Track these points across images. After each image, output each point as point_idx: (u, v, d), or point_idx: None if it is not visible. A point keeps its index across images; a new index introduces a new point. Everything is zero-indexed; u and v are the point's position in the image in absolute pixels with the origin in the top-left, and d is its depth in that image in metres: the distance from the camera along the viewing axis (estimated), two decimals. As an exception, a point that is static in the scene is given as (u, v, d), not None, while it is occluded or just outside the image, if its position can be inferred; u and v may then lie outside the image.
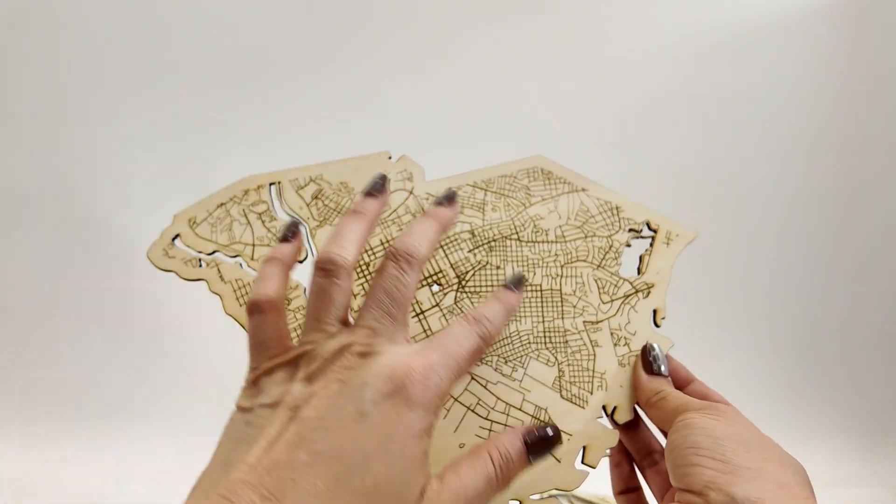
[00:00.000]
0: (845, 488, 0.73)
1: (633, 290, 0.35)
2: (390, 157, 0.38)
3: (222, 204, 0.37)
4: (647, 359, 0.33)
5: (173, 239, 0.36)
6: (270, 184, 0.37)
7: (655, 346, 0.33)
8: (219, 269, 0.35)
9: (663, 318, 0.35)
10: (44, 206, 0.79)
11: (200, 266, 0.35)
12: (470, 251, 0.36)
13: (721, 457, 0.24)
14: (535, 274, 0.35)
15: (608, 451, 0.32)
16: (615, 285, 0.35)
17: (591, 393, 0.33)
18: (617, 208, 0.37)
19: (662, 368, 0.32)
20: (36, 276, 0.80)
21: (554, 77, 0.78)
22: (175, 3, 0.75)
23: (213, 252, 0.36)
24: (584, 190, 0.37)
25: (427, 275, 0.35)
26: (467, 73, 0.78)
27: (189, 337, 0.82)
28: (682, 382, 0.33)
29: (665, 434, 0.30)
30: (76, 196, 0.79)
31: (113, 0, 0.75)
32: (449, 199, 0.30)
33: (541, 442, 0.24)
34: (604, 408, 0.33)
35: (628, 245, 0.36)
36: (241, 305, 0.35)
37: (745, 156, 0.78)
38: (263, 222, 0.36)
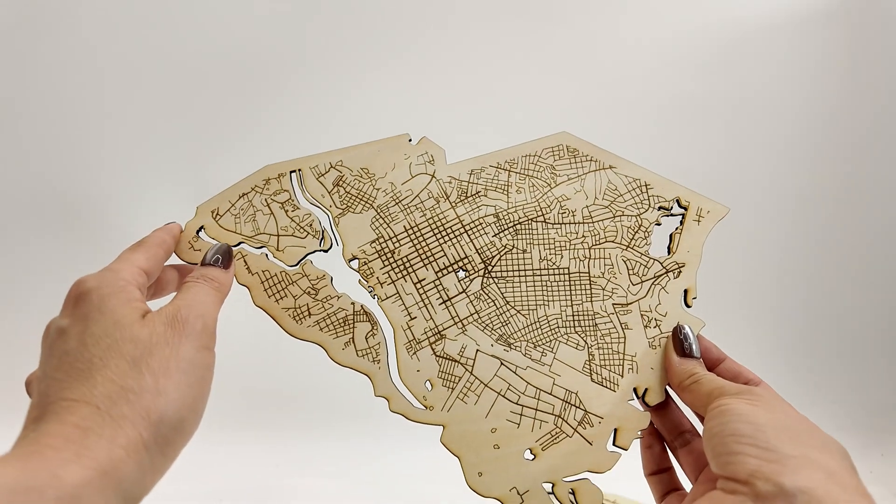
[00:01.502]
0: None
1: (664, 271, 0.34)
2: (410, 140, 0.37)
3: (244, 194, 0.36)
4: (679, 340, 0.32)
5: (198, 231, 0.36)
6: (291, 172, 0.37)
7: (686, 327, 0.33)
8: (245, 261, 0.35)
9: (694, 298, 0.34)
10: (45, 206, 0.79)
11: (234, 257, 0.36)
12: (495, 235, 0.35)
13: (765, 444, 0.24)
14: (562, 257, 0.35)
15: (640, 434, 0.32)
16: (645, 266, 0.34)
17: (622, 376, 0.33)
18: (646, 185, 0.36)
19: (694, 350, 0.32)
20: (38, 274, 0.80)
21: (554, 78, 0.77)
22: (185, 6, 0.75)
23: (239, 244, 0.36)
24: (611, 167, 0.36)
25: (452, 261, 0.35)
26: (468, 73, 0.77)
27: None
28: (713, 362, 0.32)
29: (699, 416, 0.30)
30: (78, 195, 0.79)
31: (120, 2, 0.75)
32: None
33: None
34: (634, 390, 0.33)
35: (658, 224, 0.35)
36: (269, 297, 0.35)
37: (744, 156, 0.78)
38: (286, 212, 0.36)
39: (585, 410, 0.32)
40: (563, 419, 0.32)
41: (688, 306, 0.34)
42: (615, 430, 0.32)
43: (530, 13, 0.76)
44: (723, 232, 0.93)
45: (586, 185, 0.36)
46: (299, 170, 0.37)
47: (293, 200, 0.36)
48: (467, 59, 0.77)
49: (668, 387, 0.33)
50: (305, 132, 0.79)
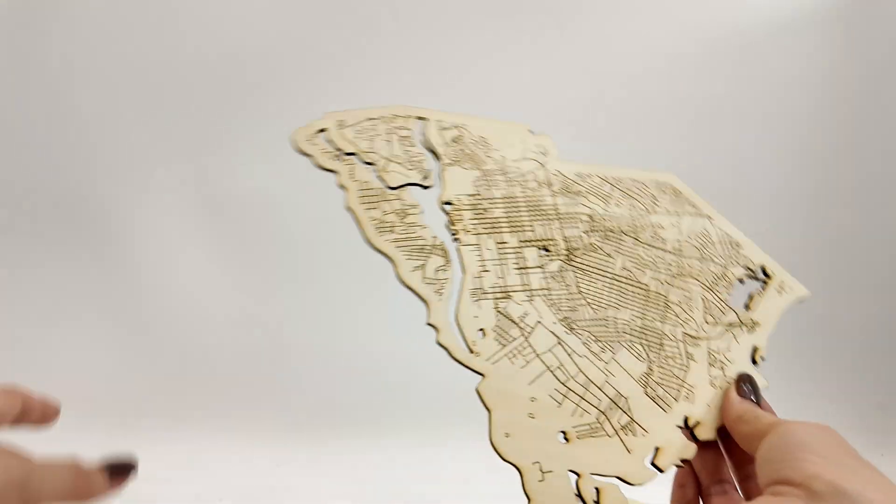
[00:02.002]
0: None
1: (738, 322, 0.34)
2: (531, 131, 0.40)
3: (372, 118, 0.39)
4: (742, 385, 0.31)
5: (319, 131, 0.38)
6: (419, 117, 0.39)
7: (754, 376, 0.32)
8: (352, 169, 0.36)
9: (762, 359, 0.33)
10: (49, 207, 0.79)
11: (337, 160, 0.37)
12: (585, 232, 0.36)
13: (832, 456, 0.22)
14: (644, 273, 0.35)
15: (680, 462, 0.30)
16: (721, 311, 0.34)
17: (676, 400, 0.31)
18: (737, 244, 0.37)
19: (755, 399, 0.30)
20: (40, 274, 0.80)
21: (553, 78, 0.78)
22: (186, 8, 0.76)
23: (351, 154, 0.37)
24: (709, 217, 0.38)
25: (538, 238, 0.35)
26: (467, 73, 0.78)
27: (190, 333, 0.81)
28: None
29: (749, 453, 0.28)
30: (82, 197, 0.79)
31: (121, 4, 0.75)
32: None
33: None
34: (686, 419, 0.31)
35: (741, 281, 0.36)
36: (361, 203, 0.35)
37: (744, 156, 0.78)
38: (403, 144, 0.38)
39: (632, 418, 0.30)
40: (606, 417, 0.30)
41: (754, 363, 0.33)
42: (657, 448, 0.30)
43: (535, 15, 0.76)
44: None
45: (682, 223, 0.37)
46: (426, 118, 0.39)
47: (411, 138, 0.38)
48: (471, 59, 0.78)
49: (718, 432, 0.31)
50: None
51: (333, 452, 0.71)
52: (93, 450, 0.93)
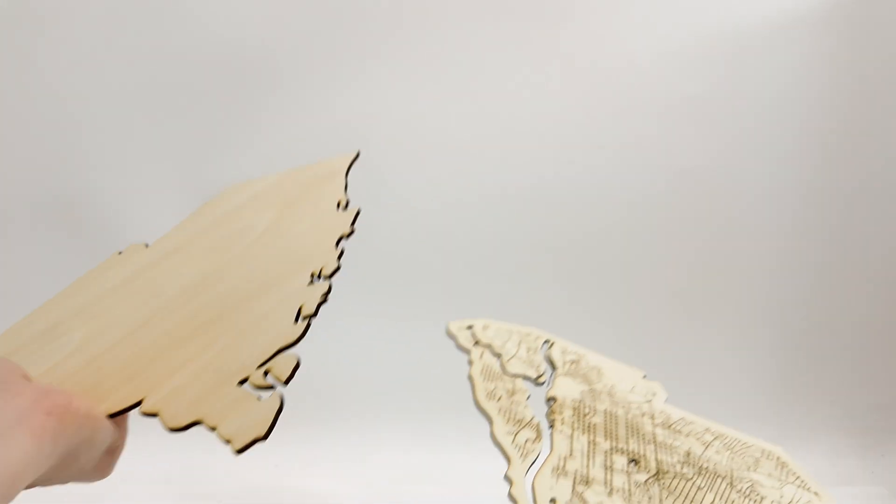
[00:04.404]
0: (843, 486, 0.76)
1: None
2: (644, 376, 0.45)
3: (510, 330, 0.48)
4: None
5: (468, 327, 0.48)
6: (545, 340, 0.48)
7: None
8: (482, 354, 0.45)
9: None
10: (47, 207, 0.79)
11: (473, 345, 0.46)
12: (679, 462, 0.37)
13: None
14: (735, 518, 0.34)
15: None
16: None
17: None
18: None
19: None
20: (39, 274, 0.79)
21: (553, 78, 0.75)
22: (182, 5, 0.75)
23: (486, 346, 0.46)
24: (816, 494, 0.36)
25: (630, 450, 0.37)
26: (465, 73, 0.76)
27: None
28: None
29: None
30: (80, 196, 0.80)
31: (115, 2, 0.75)
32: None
33: None
34: None
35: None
36: (480, 376, 0.42)
37: (743, 156, 0.77)
38: (528, 350, 0.46)
39: None
40: None
41: None
42: None
43: (531, 14, 0.74)
44: (722, 231, 0.80)
45: (785, 489, 0.36)
46: (553, 342, 0.48)
47: (537, 350, 0.46)
48: (469, 59, 0.75)
49: None
50: (305, 132, 0.77)
51: (333, 452, 0.72)
52: None
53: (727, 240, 0.83)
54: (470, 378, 0.42)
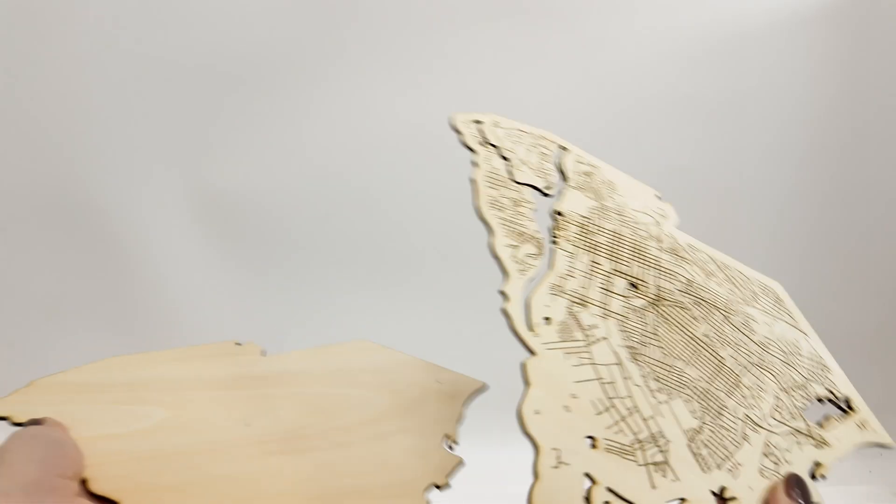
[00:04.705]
0: (841, 486, 0.74)
1: (807, 432, 0.32)
2: (659, 197, 0.42)
3: (522, 131, 0.43)
4: (793, 489, 0.28)
5: (475, 122, 0.42)
6: (561, 146, 0.43)
7: (808, 484, 0.29)
8: (489, 156, 0.40)
9: (823, 476, 0.30)
10: (46, 206, 0.79)
11: (482, 146, 0.41)
12: (679, 290, 0.36)
13: None
14: (724, 348, 0.34)
15: (703, 526, 0.27)
16: (791, 415, 0.32)
17: (719, 468, 0.29)
18: (826, 367, 0.35)
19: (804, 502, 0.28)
20: (39, 273, 0.79)
21: (552, 78, 0.76)
22: (182, 6, 0.74)
23: (494, 146, 0.41)
24: (804, 333, 0.37)
25: (632, 274, 0.36)
26: (464, 73, 0.77)
27: (192, 333, 0.80)
28: None
29: None
30: (80, 196, 0.79)
31: (117, 3, 0.74)
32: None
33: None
34: (722, 489, 0.28)
35: (820, 400, 0.34)
36: (484, 181, 0.38)
37: (743, 156, 0.77)
38: (541, 158, 0.41)
39: (667, 461, 0.28)
40: (642, 446, 0.29)
41: (813, 478, 0.30)
42: (682, 499, 0.27)
43: (529, 13, 0.74)
44: (722, 231, 0.79)
45: (776, 325, 0.36)
46: (568, 150, 0.43)
47: (549, 157, 0.42)
48: (467, 60, 0.76)
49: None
50: (305, 132, 0.77)
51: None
52: None
53: (724, 239, 0.80)
54: (472, 181, 0.38)
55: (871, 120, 0.76)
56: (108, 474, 0.30)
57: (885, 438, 0.33)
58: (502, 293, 0.33)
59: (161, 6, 0.74)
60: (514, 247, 0.35)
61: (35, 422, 0.31)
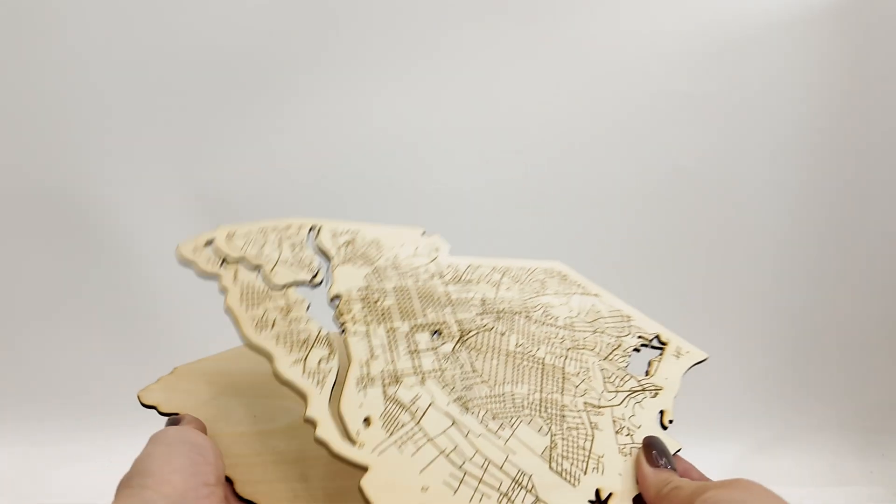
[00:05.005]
0: (842, 487, 0.74)
1: (641, 388, 0.33)
2: (424, 233, 0.41)
3: (263, 229, 0.39)
4: (650, 452, 0.29)
5: (207, 242, 0.38)
6: (312, 226, 0.40)
7: (658, 438, 0.29)
8: (236, 273, 0.36)
9: (671, 421, 0.32)
10: (44, 205, 0.79)
11: (221, 266, 0.36)
12: (478, 314, 0.36)
13: None
14: (538, 349, 0.34)
15: (597, 542, 0.26)
16: (621, 378, 0.33)
17: (585, 473, 0.28)
18: (628, 317, 0.37)
19: (666, 463, 0.28)
20: (38, 273, 0.80)
21: (552, 78, 0.77)
22: (177, 5, 0.75)
23: (238, 260, 0.37)
24: (596, 295, 0.38)
25: (430, 322, 0.34)
26: (461, 73, 0.77)
27: (193, 332, 0.80)
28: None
29: None
30: (79, 195, 0.78)
31: (115, 2, 0.74)
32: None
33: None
34: (597, 492, 0.28)
35: (636, 350, 0.35)
36: (241, 303, 0.34)
37: (743, 157, 0.77)
38: (293, 248, 0.38)
39: (537, 497, 0.27)
40: (509, 499, 0.27)
41: (664, 428, 0.31)
42: (568, 528, 0.26)
43: (526, 12, 0.75)
44: (722, 231, 0.80)
45: (572, 301, 0.38)
46: (320, 227, 0.40)
47: (303, 244, 0.39)
48: (465, 59, 0.76)
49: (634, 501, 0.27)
50: (305, 132, 0.78)
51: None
52: (92, 449, 0.82)
53: (725, 240, 0.80)
54: (228, 311, 0.34)
55: (873, 121, 0.76)
56: (251, 478, 0.31)
57: (701, 355, 0.36)
58: (307, 420, 0.29)
59: (161, 7, 0.73)
60: (301, 360, 0.31)
61: (173, 421, 0.32)
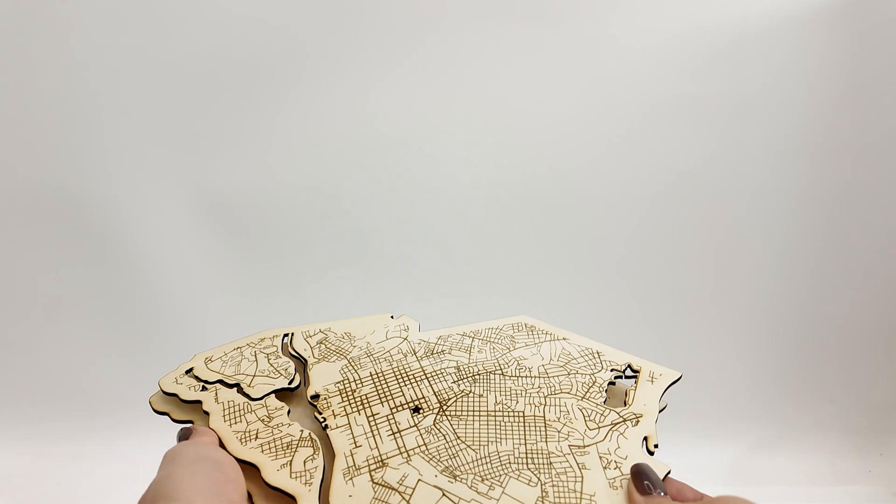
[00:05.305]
0: (841, 486, 0.75)
1: (621, 419, 0.33)
2: (392, 317, 0.43)
3: (238, 347, 0.41)
4: (639, 480, 0.29)
5: (187, 371, 0.39)
6: (285, 334, 0.42)
7: (644, 464, 0.30)
8: (216, 393, 0.37)
9: (656, 446, 0.32)
10: (47, 206, 0.79)
11: (203, 391, 0.37)
12: (454, 382, 0.36)
13: None
14: (517, 402, 0.35)
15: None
16: (601, 414, 0.34)
17: (579, 515, 0.28)
18: (598, 353, 0.38)
19: (655, 489, 0.28)
20: (39, 273, 0.81)
21: (552, 79, 0.76)
22: (178, 6, 0.75)
23: (216, 381, 0.38)
24: (565, 339, 0.39)
25: (409, 400, 0.35)
26: (463, 74, 0.77)
27: (195, 332, 0.81)
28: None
29: None
30: (80, 195, 0.79)
31: (116, 3, 0.75)
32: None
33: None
34: (595, 532, 0.27)
35: (612, 383, 0.36)
36: (224, 421, 0.35)
37: (743, 157, 0.77)
38: (269, 359, 0.40)
39: (536, 550, 0.27)
40: (507, 558, 0.26)
41: (650, 453, 0.31)
42: (572, 576, 0.25)
43: (527, 14, 0.75)
44: (722, 231, 0.81)
45: (542, 350, 0.39)
46: (292, 333, 0.42)
47: (277, 353, 0.40)
48: (467, 60, 0.76)
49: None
50: (306, 133, 0.78)
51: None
52: (92, 449, 0.82)
53: (725, 240, 0.81)
54: (216, 431, 0.35)
55: (875, 121, 0.76)
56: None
57: (673, 375, 0.37)
58: None
59: (161, 7, 0.74)
60: (288, 463, 0.32)
61: (185, 432, 0.32)
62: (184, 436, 0.33)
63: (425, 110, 0.78)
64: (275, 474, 0.31)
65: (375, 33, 0.76)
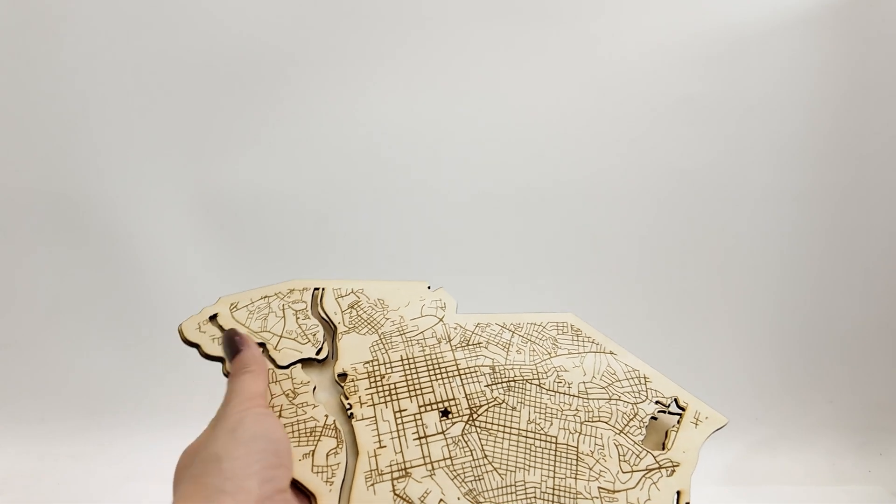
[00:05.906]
0: (840, 486, 0.75)
1: (657, 465, 0.32)
2: (429, 287, 0.40)
3: (266, 297, 0.39)
4: None
5: (211, 317, 0.37)
6: (315, 288, 0.39)
7: None
8: None
9: (688, 503, 0.31)
10: (47, 206, 0.80)
11: None
12: (487, 386, 0.35)
13: None
14: (552, 424, 0.33)
15: None
16: (637, 455, 0.32)
17: (598, 573, 0.28)
18: (645, 378, 0.36)
19: None
20: (39, 273, 0.82)
21: (553, 79, 0.77)
22: (178, 6, 0.75)
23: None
24: (612, 353, 0.37)
25: (439, 399, 0.34)
26: (464, 74, 0.77)
27: None
28: None
29: None
30: (80, 196, 0.80)
31: (118, 2, 0.75)
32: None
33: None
34: None
35: (654, 418, 0.34)
36: (248, 389, 0.34)
37: (744, 157, 0.78)
38: (297, 318, 0.37)
39: None
40: None
41: (682, 510, 0.30)
42: None
43: (529, 14, 0.75)
44: (723, 231, 0.81)
45: (585, 362, 0.36)
46: (322, 288, 0.39)
47: (307, 311, 0.38)
48: (468, 60, 0.76)
49: None
50: (306, 133, 0.78)
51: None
52: (92, 449, 0.84)
53: (725, 240, 0.80)
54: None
55: (876, 121, 0.76)
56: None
57: (720, 420, 0.34)
58: None
59: (162, 8, 0.74)
60: (310, 454, 0.31)
61: (235, 345, 0.33)
62: (234, 349, 0.33)
63: (425, 110, 0.77)
64: (297, 465, 0.31)
65: (376, 34, 0.75)
